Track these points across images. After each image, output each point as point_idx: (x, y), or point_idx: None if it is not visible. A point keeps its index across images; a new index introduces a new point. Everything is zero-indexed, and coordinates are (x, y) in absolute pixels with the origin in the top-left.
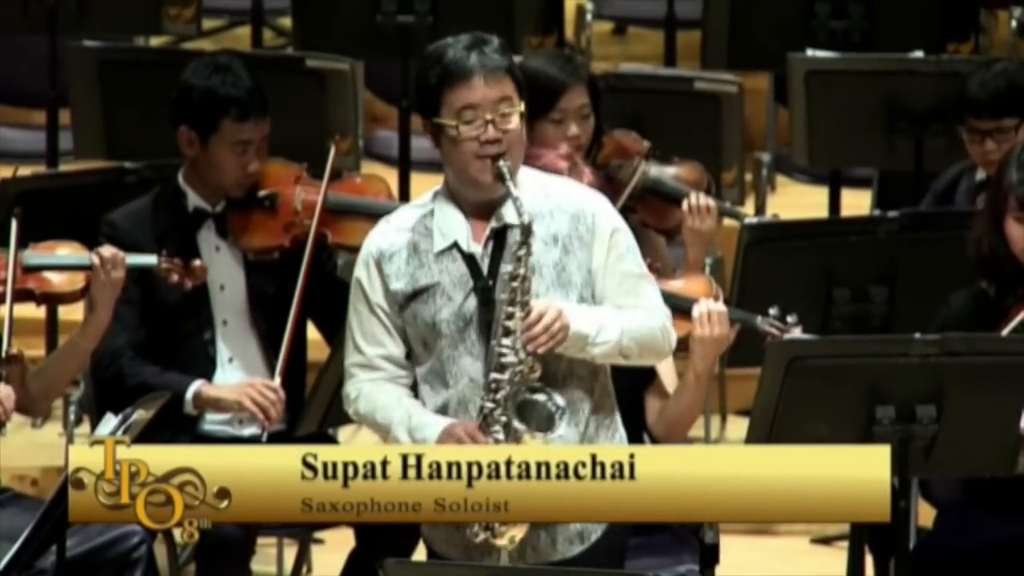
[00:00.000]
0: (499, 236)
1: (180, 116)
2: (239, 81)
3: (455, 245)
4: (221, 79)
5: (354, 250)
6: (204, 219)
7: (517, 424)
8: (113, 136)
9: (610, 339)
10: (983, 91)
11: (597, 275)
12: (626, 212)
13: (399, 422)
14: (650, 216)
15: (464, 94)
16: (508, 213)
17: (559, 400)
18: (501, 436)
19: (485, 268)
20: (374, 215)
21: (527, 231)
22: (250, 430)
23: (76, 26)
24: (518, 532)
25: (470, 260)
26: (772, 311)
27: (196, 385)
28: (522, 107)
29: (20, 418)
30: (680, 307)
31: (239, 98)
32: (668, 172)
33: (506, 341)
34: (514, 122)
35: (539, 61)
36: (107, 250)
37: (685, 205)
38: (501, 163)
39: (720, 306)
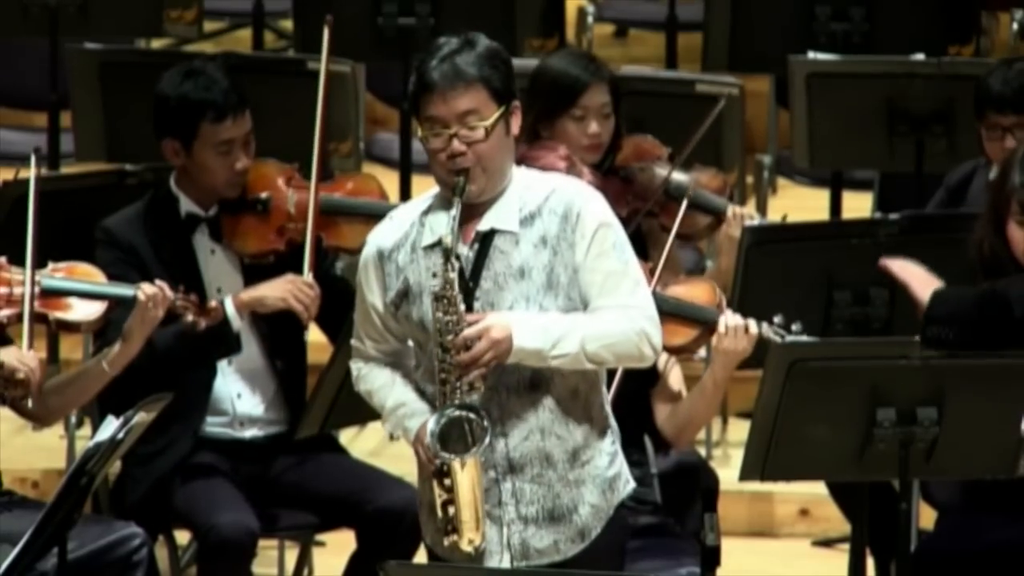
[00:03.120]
0: (486, 239)
1: (161, 128)
2: (212, 83)
3: (440, 243)
4: (193, 83)
5: (349, 252)
6: (197, 224)
7: (438, 450)
8: (114, 138)
9: (568, 351)
10: (1006, 87)
11: (579, 272)
12: (646, 215)
13: (390, 409)
14: (670, 220)
15: (429, 107)
16: (496, 217)
17: (480, 416)
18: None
19: (469, 270)
20: (368, 216)
21: (447, 253)
22: (251, 432)
23: (77, 28)
24: (476, 536)
25: (455, 253)
26: (776, 319)
27: (231, 296)
28: (497, 114)
29: (21, 421)
30: (686, 314)
31: (213, 100)
32: (690, 179)
33: (446, 357)
34: (479, 134)
35: (562, 60)
36: (153, 287)
37: (729, 212)
38: (460, 179)
39: (748, 321)
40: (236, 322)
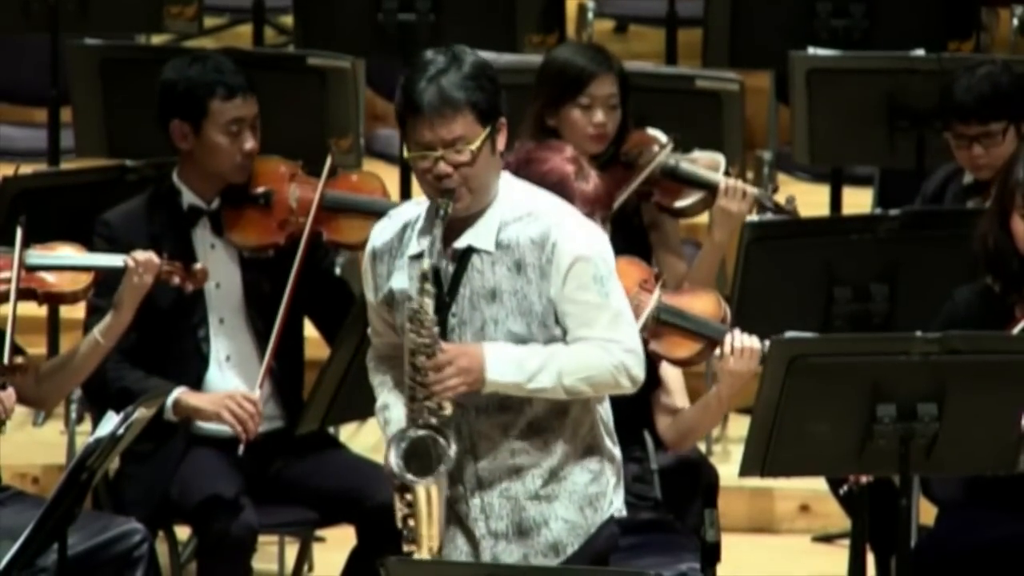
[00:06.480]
0: (463, 256)
1: (168, 112)
2: (219, 64)
3: (422, 255)
4: (201, 66)
5: (349, 248)
6: (199, 217)
7: (397, 469)
8: (114, 134)
9: (545, 384)
10: (968, 96)
11: (555, 304)
12: (641, 197)
13: (379, 409)
14: (666, 197)
15: (417, 132)
16: (475, 235)
17: (444, 439)
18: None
19: (448, 285)
20: (369, 213)
21: (424, 276)
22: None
23: (77, 24)
24: (434, 542)
25: (433, 273)
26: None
27: (176, 392)
28: (482, 137)
29: (21, 416)
30: (690, 327)
31: (222, 79)
32: (688, 159)
33: (415, 375)
34: (465, 157)
35: (568, 51)
36: (142, 254)
37: (722, 185)
38: (441, 201)
39: (754, 341)
40: (169, 414)
